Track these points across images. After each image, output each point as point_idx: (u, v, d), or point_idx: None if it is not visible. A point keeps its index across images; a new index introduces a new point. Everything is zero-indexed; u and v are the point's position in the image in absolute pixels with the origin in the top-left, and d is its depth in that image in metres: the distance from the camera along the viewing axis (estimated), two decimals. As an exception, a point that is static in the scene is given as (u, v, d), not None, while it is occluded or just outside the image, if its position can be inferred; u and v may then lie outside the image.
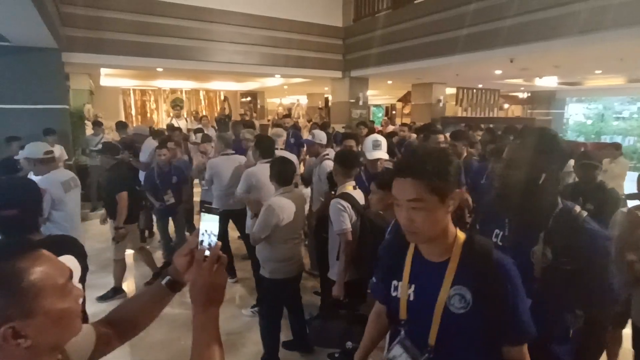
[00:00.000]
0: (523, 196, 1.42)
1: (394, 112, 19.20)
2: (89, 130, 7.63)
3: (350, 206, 2.64)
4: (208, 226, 0.92)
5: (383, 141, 3.20)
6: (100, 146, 6.04)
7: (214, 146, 5.10)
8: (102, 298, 3.93)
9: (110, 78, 10.92)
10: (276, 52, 8.46)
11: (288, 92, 16.39)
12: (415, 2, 7.55)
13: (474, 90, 13.37)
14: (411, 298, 1.19)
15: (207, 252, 0.90)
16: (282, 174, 2.83)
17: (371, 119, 13.56)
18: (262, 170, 3.30)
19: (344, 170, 2.80)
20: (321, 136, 4.43)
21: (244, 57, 8.11)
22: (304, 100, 17.43)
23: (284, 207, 2.77)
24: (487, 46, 6.21)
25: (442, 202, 1.08)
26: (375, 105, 20.86)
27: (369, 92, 10.41)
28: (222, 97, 14.51)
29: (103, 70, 9.32)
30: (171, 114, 11.26)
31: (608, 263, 1.40)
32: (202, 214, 0.93)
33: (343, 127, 8.01)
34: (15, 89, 5.96)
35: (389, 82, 11.37)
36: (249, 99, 15.71)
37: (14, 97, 5.96)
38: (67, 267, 0.79)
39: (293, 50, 8.65)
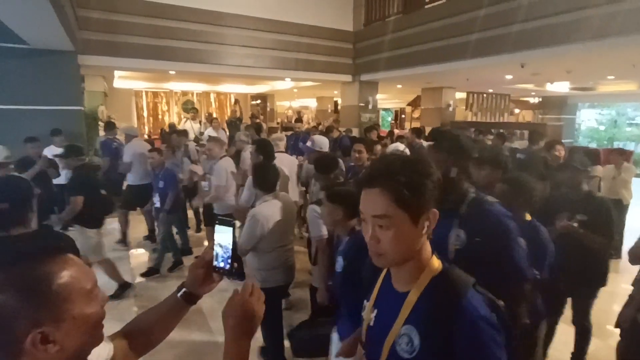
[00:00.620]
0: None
1: (403, 116, 19.19)
2: (102, 131, 7.78)
3: None
4: (222, 239, 0.90)
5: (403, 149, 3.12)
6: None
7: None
8: (113, 297, 3.99)
9: (124, 80, 11.12)
10: (287, 56, 8.54)
11: (298, 96, 16.49)
12: (426, 7, 7.57)
13: (484, 95, 13.31)
14: (371, 324, 1.07)
15: (220, 264, 0.91)
16: (265, 180, 2.73)
17: (380, 123, 13.56)
18: None
19: (322, 176, 2.76)
20: (321, 142, 4.12)
21: (254, 60, 8.20)
22: (313, 103, 17.52)
23: (268, 216, 2.65)
24: (498, 51, 6.20)
25: (414, 222, 0.92)
26: (385, 109, 20.87)
27: (378, 96, 10.43)
28: (233, 100, 14.64)
29: (117, 73, 9.50)
30: (183, 116, 11.37)
31: (512, 241, 1.60)
32: (216, 226, 0.91)
33: (344, 131, 8.03)
34: (32, 90, 6.11)
35: (399, 86, 11.38)
36: (259, 101, 15.85)
37: (31, 98, 6.11)
38: (93, 271, 0.79)
39: (303, 53, 8.72)
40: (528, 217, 2.21)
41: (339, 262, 1.98)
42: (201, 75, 9.95)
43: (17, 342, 0.65)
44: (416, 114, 15.31)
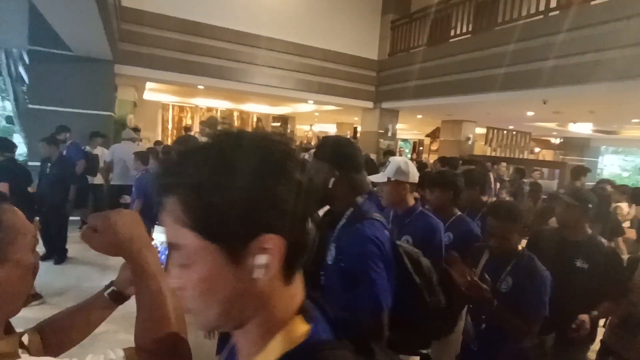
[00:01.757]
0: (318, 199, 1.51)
1: (421, 147, 19.26)
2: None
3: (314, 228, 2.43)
4: (162, 238, 0.86)
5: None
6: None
7: None
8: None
9: (153, 92, 11.59)
10: (312, 79, 8.82)
11: (318, 120, 16.79)
12: (451, 40, 7.77)
13: (505, 132, 13.31)
14: None
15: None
16: None
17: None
18: None
19: None
20: None
21: (280, 81, 8.49)
22: (332, 129, 17.79)
23: None
24: (520, 86, 6.28)
25: (230, 258, 0.50)
26: (403, 140, 21.00)
27: (398, 126, 10.57)
28: (255, 119, 15.01)
29: (148, 85, 9.92)
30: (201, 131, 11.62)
31: (368, 266, 1.42)
32: (156, 226, 0.88)
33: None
34: (70, 94, 6.46)
35: (419, 116, 11.52)
36: (279, 123, 16.18)
37: (69, 101, 6.45)
38: (31, 225, 0.76)
39: (328, 78, 8.99)
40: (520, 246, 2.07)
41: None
42: (227, 92, 10.29)
43: None
44: (434, 146, 15.35)
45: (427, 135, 16.10)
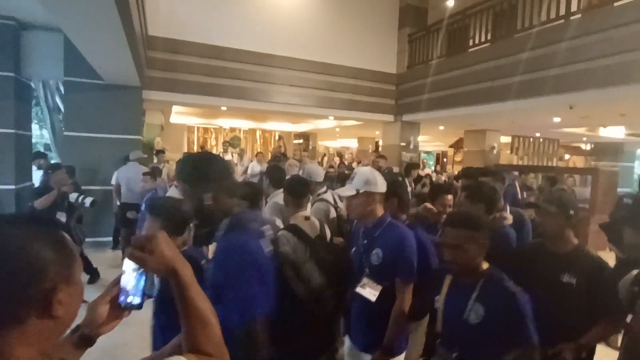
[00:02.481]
0: (197, 215, 1.51)
1: (445, 159, 19.00)
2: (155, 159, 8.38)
3: (296, 239, 2.17)
4: (129, 274, 0.82)
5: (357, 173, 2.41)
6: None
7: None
8: None
9: (179, 116, 12.02)
10: (331, 95, 8.94)
11: (340, 135, 16.90)
12: (470, 50, 7.73)
13: (531, 139, 12.98)
14: None
15: (128, 300, 0.82)
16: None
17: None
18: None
19: (294, 200, 2.66)
20: (312, 171, 3.67)
21: (300, 98, 8.65)
22: (354, 144, 17.84)
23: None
24: (543, 92, 6.14)
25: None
26: (426, 152, 20.79)
27: (420, 138, 10.49)
28: (277, 137, 15.26)
29: (174, 108, 10.30)
30: (229, 151, 11.85)
31: (235, 275, 1.34)
32: (125, 259, 0.83)
33: (386, 169, 8.09)
34: (102, 120, 6.78)
35: (441, 127, 11.41)
36: (301, 140, 16.39)
37: (101, 127, 6.77)
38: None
39: (347, 94, 9.09)
40: (484, 265, 1.74)
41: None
42: (249, 112, 10.55)
43: (42, 295, 0.64)
44: (458, 157, 15.12)
45: (451, 146, 15.90)
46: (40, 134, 17.27)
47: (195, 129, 14.31)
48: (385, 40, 9.55)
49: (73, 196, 4.46)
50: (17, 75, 6.50)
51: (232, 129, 14.82)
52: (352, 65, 9.04)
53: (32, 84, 8.07)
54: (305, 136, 16.23)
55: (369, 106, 9.43)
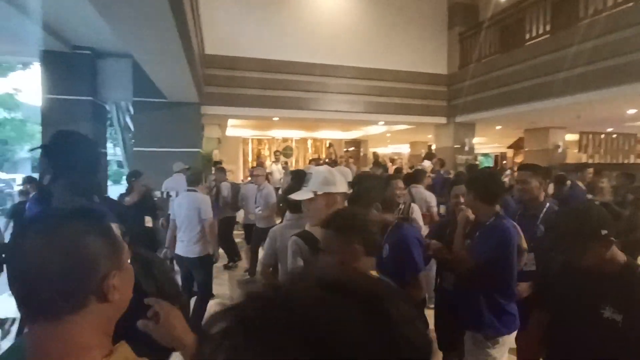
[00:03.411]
0: None
1: (504, 161, 18.00)
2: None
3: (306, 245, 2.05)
4: None
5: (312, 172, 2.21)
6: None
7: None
8: None
9: (234, 129, 12.60)
10: (381, 100, 8.91)
11: (391, 141, 16.69)
12: (527, 44, 7.34)
13: (602, 136, 11.92)
14: None
15: None
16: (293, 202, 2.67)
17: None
18: None
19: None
20: (342, 174, 3.63)
21: (350, 105, 8.71)
22: (406, 149, 17.51)
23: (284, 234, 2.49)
24: (613, 83, 5.66)
25: None
26: (483, 154, 19.86)
27: (475, 140, 10.08)
28: (328, 144, 15.43)
29: (230, 122, 10.82)
30: (273, 160, 12.00)
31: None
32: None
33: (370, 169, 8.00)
34: (166, 135, 7.31)
35: (498, 127, 10.87)
36: (352, 148, 16.40)
37: (165, 141, 7.29)
38: None
39: (397, 98, 9.01)
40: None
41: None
42: (301, 122, 10.80)
43: (99, 282, 0.68)
44: (519, 158, 14.26)
45: (510, 147, 15.06)
46: (114, 152, 18.93)
47: (250, 141, 14.91)
48: (434, 41, 9.36)
49: (157, 194, 4.79)
50: (94, 99, 7.23)
51: (285, 139, 15.24)
52: (402, 68, 8.96)
53: (107, 106, 8.92)
54: (356, 143, 16.23)
55: (420, 109, 9.25)
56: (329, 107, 8.58)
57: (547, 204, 2.65)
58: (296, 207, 2.47)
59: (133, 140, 9.15)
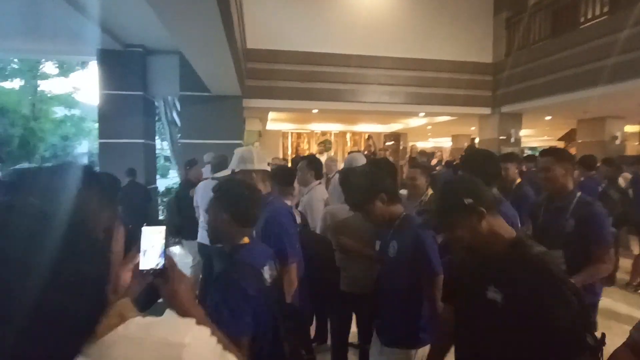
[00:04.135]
0: None
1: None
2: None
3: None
4: (150, 241, 0.88)
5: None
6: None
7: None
8: None
9: (274, 123, 12.84)
10: (422, 91, 8.72)
11: (432, 134, 16.31)
12: (582, 27, 6.90)
13: (667, 126, 10.97)
14: None
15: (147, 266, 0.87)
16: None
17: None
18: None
19: (280, 188, 2.72)
20: (354, 160, 3.77)
21: (390, 96, 8.61)
22: (447, 143, 17.04)
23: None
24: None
25: None
26: (531, 148, 18.91)
27: (522, 132, 9.62)
28: (367, 136, 15.34)
29: (270, 115, 11.04)
30: (321, 151, 12.31)
31: None
32: (143, 228, 0.89)
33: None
34: (209, 127, 7.60)
35: (548, 117, 10.32)
36: (392, 142, 16.18)
37: (209, 133, 7.58)
38: None
39: (439, 88, 8.78)
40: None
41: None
42: (340, 115, 10.82)
43: (106, 231, 0.72)
44: (571, 151, 13.46)
45: (560, 139, 14.24)
46: (161, 146, 19.89)
47: (289, 135, 15.12)
48: (479, 29, 9.01)
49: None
50: (145, 94, 7.64)
51: (323, 133, 15.31)
52: (444, 58, 8.71)
53: (155, 102, 9.39)
54: (395, 136, 15.98)
55: (463, 99, 8.97)
56: (368, 99, 8.53)
57: (578, 194, 2.32)
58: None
59: (179, 135, 9.59)
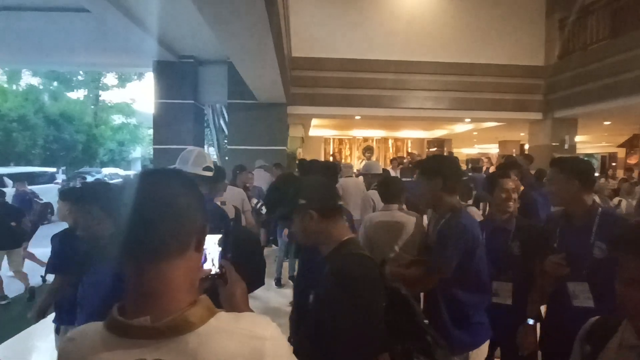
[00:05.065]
0: None
1: (613, 163, 15.88)
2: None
3: None
4: (208, 246, 0.90)
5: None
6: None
7: None
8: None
9: (316, 129, 13.02)
10: (468, 96, 8.51)
11: (478, 140, 15.78)
12: (645, 26, 6.45)
13: None
14: None
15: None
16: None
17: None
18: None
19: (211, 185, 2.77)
20: (371, 167, 4.64)
21: (435, 102, 8.48)
22: (494, 149, 16.42)
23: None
24: None
25: None
26: (587, 155, 17.75)
27: (577, 138, 9.09)
28: (410, 144, 15.15)
29: (313, 122, 11.22)
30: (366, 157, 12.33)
31: None
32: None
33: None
34: (255, 134, 7.87)
35: (606, 122, 9.68)
36: (435, 148, 15.84)
37: (255, 139, 7.85)
38: None
39: (487, 93, 8.52)
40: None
41: None
42: (381, 121, 10.77)
43: (198, 231, 0.73)
44: (633, 159, 12.50)
45: (621, 146, 13.27)
46: (208, 152, 20.77)
47: (331, 141, 15.27)
48: (530, 31, 8.66)
49: (254, 201, 5.32)
50: (196, 102, 8.07)
51: (365, 139, 15.31)
52: (491, 61, 8.45)
53: (204, 109, 9.87)
54: (439, 143, 15.63)
55: (512, 104, 8.64)
56: (411, 105, 8.46)
57: (600, 209, 1.91)
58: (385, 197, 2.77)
59: (226, 141, 9.99)
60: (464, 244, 1.81)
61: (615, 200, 4.91)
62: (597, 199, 3.15)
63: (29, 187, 7.69)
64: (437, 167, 1.96)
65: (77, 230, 1.77)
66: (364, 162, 10.77)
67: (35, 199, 7.19)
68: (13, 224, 5.17)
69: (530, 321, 1.98)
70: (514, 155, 13.93)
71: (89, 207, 1.66)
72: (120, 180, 17.32)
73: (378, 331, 1.19)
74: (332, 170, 3.80)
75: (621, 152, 14.15)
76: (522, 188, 3.59)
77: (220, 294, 0.95)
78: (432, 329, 1.34)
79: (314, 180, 1.48)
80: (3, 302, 4.92)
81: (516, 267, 2.10)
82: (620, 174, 13.35)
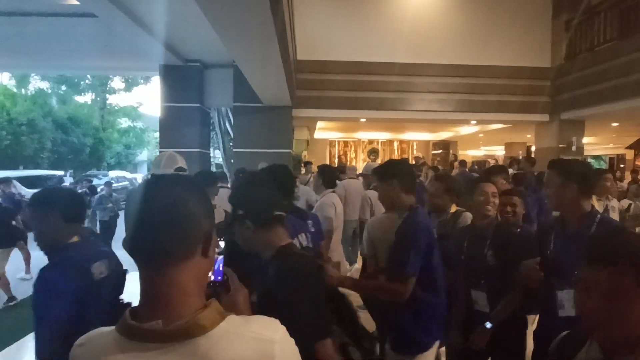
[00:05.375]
0: None
1: (622, 165, 15.73)
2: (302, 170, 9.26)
3: None
4: None
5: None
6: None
7: None
8: None
9: (322, 132, 13.04)
10: (474, 98, 8.47)
11: (483, 142, 15.71)
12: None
13: None
14: None
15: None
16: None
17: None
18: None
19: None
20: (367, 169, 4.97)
21: (440, 104, 8.45)
22: (500, 151, 16.33)
23: None
24: None
25: None
26: (594, 157, 17.62)
27: (585, 140, 9.01)
28: (415, 146, 15.11)
29: (318, 124, 11.23)
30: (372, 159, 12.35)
31: None
32: None
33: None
34: (261, 137, 7.89)
35: (614, 124, 9.60)
36: (440, 150, 15.77)
37: (260, 142, 7.87)
38: None
39: (493, 95, 8.47)
40: None
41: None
42: (387, 123, 10.77)
43: (204, 236, 0.73)
44: (641, 161, 12.38)
45: (629, 147, 13.15)
46: (213, 155, 20.87)
47: (337, 143, 15.28)
48: (536, 32, 8.62)
49: None
50: (201, 105, 8.12)
51: (370, 141, 15.30)
52: (497, 63, 8.40)
53: (210, 112, 9.92)
54: (445, 145, 15.57)
55: (518, 106, 8.59)
56: (417, 107, 8.43)
57: (598, 216, 1.83)
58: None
59: (231, 144, 10.04)
60: (425, 240, 1.86)
61: (624, 202, 4.82)
62: (595, 203, 2.93)
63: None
64: (391, 170, 2.07)
65: (34, 237, 1.65)
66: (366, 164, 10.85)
67: (25, 200, 7.28)
68: (13, 222, 5.31)
69: (488, 325, 2.03)
70: (520, 157, 13.88)
71: (46, 213, 1.55)
72: (126, 182, 17.46)
73: (322, 317, 1.30)
74: (284, 179, 3.62)
75: (629, 154, 14.02)
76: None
77: (223, 301, 0.94)
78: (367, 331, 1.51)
79: (254, 191, 1.55)
80: (11, 304, 4.98)
81: (489, 277, 2.07)
82: (627, 176, 13.21)
